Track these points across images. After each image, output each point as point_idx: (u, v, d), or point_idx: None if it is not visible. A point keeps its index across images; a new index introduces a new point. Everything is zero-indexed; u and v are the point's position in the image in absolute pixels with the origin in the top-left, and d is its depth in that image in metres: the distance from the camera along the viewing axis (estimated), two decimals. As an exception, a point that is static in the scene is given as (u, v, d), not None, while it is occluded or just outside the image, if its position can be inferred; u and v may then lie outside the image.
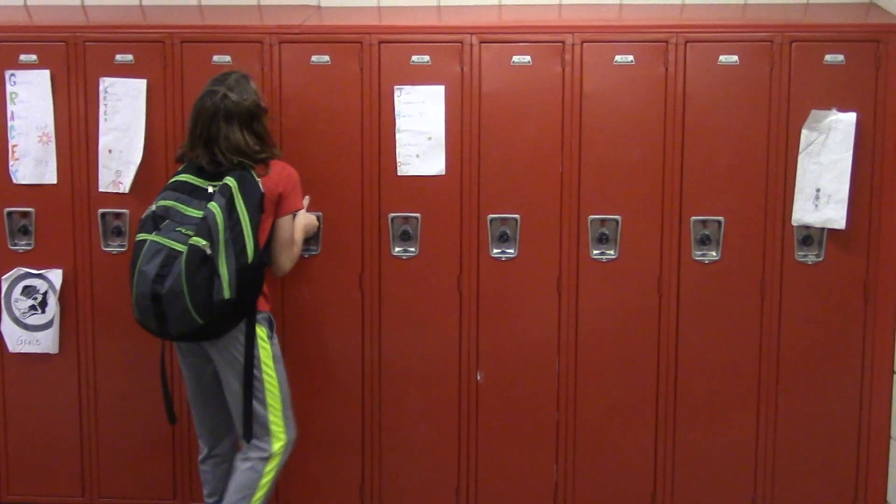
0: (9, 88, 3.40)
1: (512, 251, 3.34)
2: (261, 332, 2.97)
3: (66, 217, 3.43)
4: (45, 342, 3.46)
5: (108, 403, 3.50)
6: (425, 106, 3.31)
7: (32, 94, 3.39)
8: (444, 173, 3.33)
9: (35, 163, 3.42)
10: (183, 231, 2.82)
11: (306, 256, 3.35)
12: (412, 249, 3.37)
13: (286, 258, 3.07)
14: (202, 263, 2.76)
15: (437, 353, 3.41)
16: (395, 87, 3.31)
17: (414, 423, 3.45)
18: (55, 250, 3.45)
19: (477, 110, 3.30)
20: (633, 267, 3.34)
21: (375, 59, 3.30)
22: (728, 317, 3.33)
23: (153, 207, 2.91)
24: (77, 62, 3.38)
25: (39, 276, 3.44)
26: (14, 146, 3.42)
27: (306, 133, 3.34)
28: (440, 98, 3.30)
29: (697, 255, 3.30)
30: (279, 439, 2.96)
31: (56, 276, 3.44)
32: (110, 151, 3.39)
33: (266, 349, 2.98)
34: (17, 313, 3.45)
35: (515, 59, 3.28)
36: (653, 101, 3.26)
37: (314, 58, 3.32)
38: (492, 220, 3.33)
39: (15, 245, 3.45)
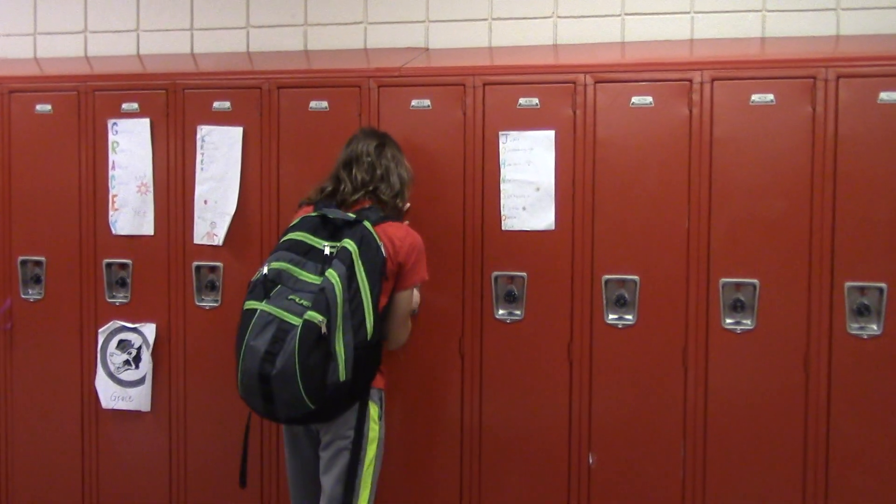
0: (110, 137, 3.34)
1: (630, 317, 2.94)
2: (373, 411, 2.67)
3: (161, 270, 3.32)
4: (138, 399, 3.34)
5: (198, 464, 3.33)
6: (533, 153, 2.98)
7: (133, 142, 3.32)
8: (553, 228, 2.98)
9: (133, 213, 3.33)
10: (297, 301, 2.50)
11: (403, 317, 3.09)
12: (517, 312, 3.02)
13: (405, 332, 2.82)
14: (318, 342, 2.44)
15: (544, 431, 3.02)
16: (501, 132, 3.00)
17: (516, 509, 3.08)
18: (150, 304, 3.33)
19: (591, 158, 2.94)
20: (773, 339, 2.86)
21: (479, 102, 3.01)
22: (892, 402, 2.78)
23: (264, 270, 2.61)
24: (176, 109, 3.28)
25: (134, 329, 3.34)
26: (114, 196, 3.35)
27: (412, 182, 3.08)
28: (550, 144, 2.97)
29: (854, 327, 2.79)
30: None
31: (150, 330, 3.32)
32: (206, 202, 3.26)
33: (375, 431, 2.67)
34: (112, 368, 3.36)
35: (635, 100, 2.90)
36: (797, 147, 2.80)
37: (414, 102, 3.07)
38: (607, 281, 2.95)
39: (113, 297, 3.36)
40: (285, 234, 2.67)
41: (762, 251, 2.84)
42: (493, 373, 3.05)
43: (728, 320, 2.87)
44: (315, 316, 2.44)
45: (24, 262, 3.45)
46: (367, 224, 2.60)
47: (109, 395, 3.36)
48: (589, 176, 2.95)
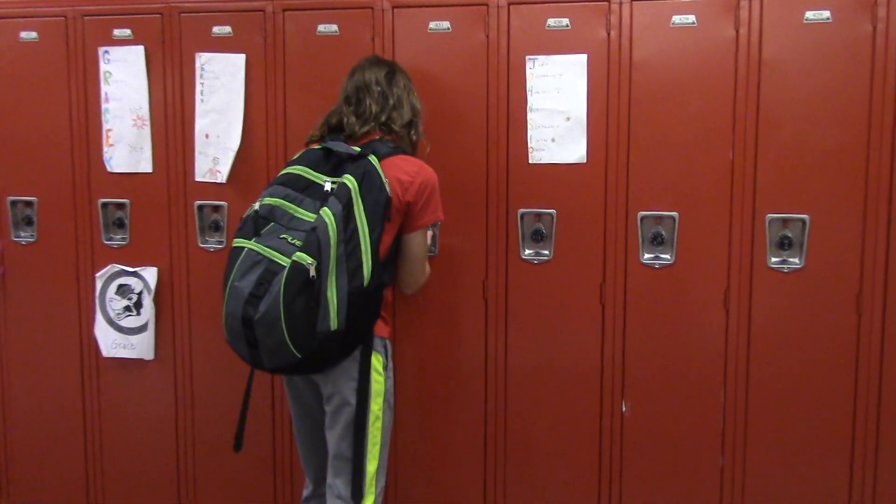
0: (102, 67, 3.08)
1: (668, 256, 2.73)
2: (376, 362, 2.44)
3: (161, 209, 3.09)
4: (141, 347, 3.14)
5: (205, 413, 3.15)
6: (563, 79, 2.73)
7: (127, 72, 3.06)
8: (584, 161, 2.75)
9: (129, 149, 3.09)
10: (289, 240, 2.28)
11: (422, 258, 2.88)
12: (545, 252, 2.81)
13: (420, 276, 2.56)
14: (306, 286, 2.22)
15: (574, 379, 2.84)
16: (528, 57, 2.75)
17: (545, 463, 2.89)
18: (150, 246, 3.11)
19: (626, 84, 2.70)
20: (823, 279, 2.66)
21: (504, 23, 2.75)
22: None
23: (256, 206, 2.40)
24: (172, 36, 3.01)
25: (134, 273, 3.12)
26: (108, 131, 3.11)
27: (426, 115, 2.83)
28: (581, 69, 2.72)
29: (911, 266, 2.59)
30: (371, 493, 2.46)
31: (151, 274, 3.11)
32: (207, 136, 3.01)
33: (379, 383, 2.45)
34: (112, 314, 3.15)
35: (676, 19, 2.65)
36: (855, 70, 2.56)
37: (432, 24, 2.81)
38: (643, 218, 2.73)
39: (110, 239, 3.14)
40: (285, 168, 2.44)
41: (813, 184, 2.62)
42: (520, 317, 2.85)
43: (774, 259, 2.67)
44: (304, 257, 2.22)
45: (13, 203, 3.22)
46: (372, 158, 2.35)
47: (110, 342, 3.16)
48: (624, 104, 2.71)
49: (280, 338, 2.23)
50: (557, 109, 2.74)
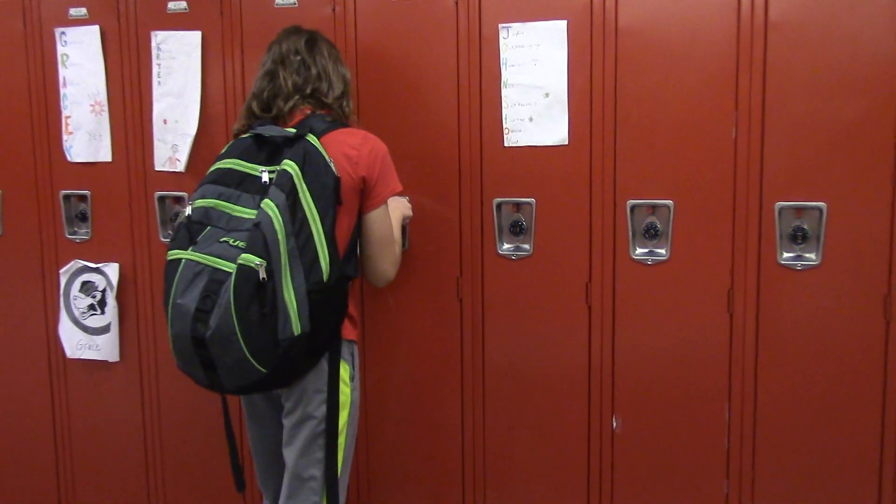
0: (59, 49, 2.89)
1: (663, 251, 2.38)
2: (343, 372, 2.18)
3: (122, 201, 2.88)
4: (105, 348, 2.95)
5: (173, 419, 2.94)
6: (540, 50, 2.40)
7: (83, 55, 2.86)
8: (566, 143, 2.41)
9: (89, 137, 2.89)
10: (231, 242, 2.01)
11: (391, 253, 2.59)
12: (525, 247, 2.49)
13: (388, 262, 2.24)
14: (258, 291, 1.94)
15: (559, 390, 2.51)
16: (501, 25, 2.43)
17: (528, 485, 2.58)
18: (112, 240, 2.91)
19: (612, 54, 2.35)
20: (844, 277, 2.27)
21: (474, -12, 2.44)
22: None
23: (187, 211, 2.10)
24: (128, 14, 2.79)
25: (97, 269, 2.93)
26: (67, 118, 2.91)
27: (387, 95, 2.56)
28: (561, 38, 2.38)
29: (950, 262, 2.18)
30: None
31: (113, 270, 2.90)
32: (165, 122, 2.79)
33: (346, 395, 2.18)
34: (77, 313, 2.96)
35: (667, -24, 2.29)
36: (883, 30, 2.16)
37: (397, -8, 2.52)
38: (633, 207, 2.38)
39: (74, 233, 2.95)
40: (214, 164, 2.16)
41: (830, 166, 2.23)
42: (498, 321, 2.54)
43: (786, 254, 2.29)
44: (251, 259, 1.94)
45: (-22, 196, 3.08)
46: (311, 138, 2.07)
47: (75, 343, 2.97)
48: (610, 76, 2.36)
49: (239, 354, 1.95)
50: (535, 84, 2.41)
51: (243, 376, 2.00)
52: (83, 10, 2.84)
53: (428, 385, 2.63)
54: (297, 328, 1.97)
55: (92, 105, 2.87)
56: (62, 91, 2.90)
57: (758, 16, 2.23)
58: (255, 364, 1.97)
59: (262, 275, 1.93)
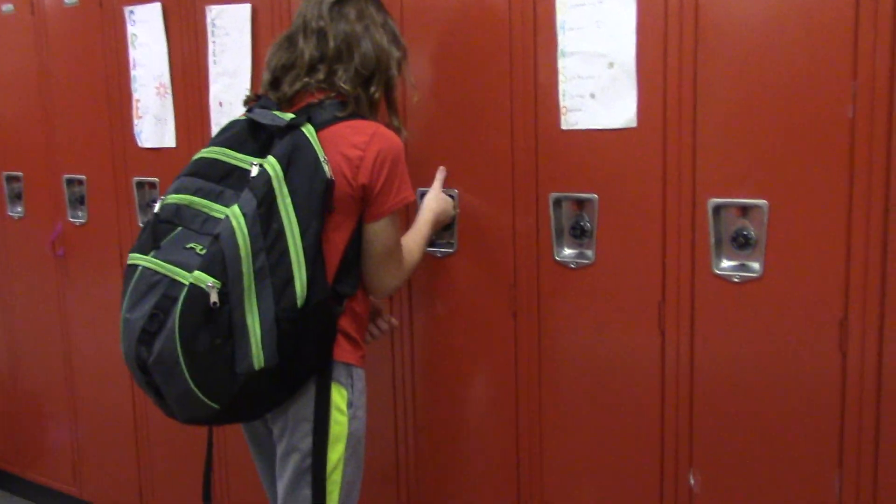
0: (129, 29, 2.77)
1: (756, 265, 1.84)
2: (338, 397, 1.84)
3: (186, 190, 2.72)
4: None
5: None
6: (604, 8, 1.93)
7: (149, 34, 2.72)
8: (634, 125, 1.92)
9: (155, 121, 2.75)
10: (197, 250, 1.70)
11: (440, 256, 2.22)
12: (588, 253, 2.04)
13: (390, 277, 1.91)
14: (210, 316, 1.63)
15: (625, 437, 2.02)
16: (557, -21, 1.98)
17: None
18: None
19: (692, 17, 1.83)
20: (789, 293, 1.71)
21: (527, -64, 2.00)
22: None
23: (156, 208, 1.82)
24: (186, -12, 2.62)
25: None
26: (137, 101, 2.79)
27: (430, 69, 2.18)
28: (628, -4, 1.90)
29: None
30: None
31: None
32: (221, 104, 2.59)
33: (342, 424, 1.84)
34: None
35: None
36: None
37: (444, -54, 2.12)
38: (717, 208, 1.85)
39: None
40: (202, 150, 1.87)
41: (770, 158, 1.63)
42: (555, 339, 2.10)
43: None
44: (202, 278, 1.63)
45: (69, 182, 3.04)
46: (306, 130, 1.74)
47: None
48: (689, 43, 1.83)
49: (184, 385, 1.66)
50: (597, 52, 1.94)
51: (192, 409, 1.72)
52: (147, -14, 2.70)
53: (472, 414, 2.25)
54: (258, 361, 1.66)
55: (157, 87, 2.73)
56: (132, 73, 2.79)
57: (887, -48, 1.63)
58: (204, 399, 1.67)
59: (214, 299, 1.62)
